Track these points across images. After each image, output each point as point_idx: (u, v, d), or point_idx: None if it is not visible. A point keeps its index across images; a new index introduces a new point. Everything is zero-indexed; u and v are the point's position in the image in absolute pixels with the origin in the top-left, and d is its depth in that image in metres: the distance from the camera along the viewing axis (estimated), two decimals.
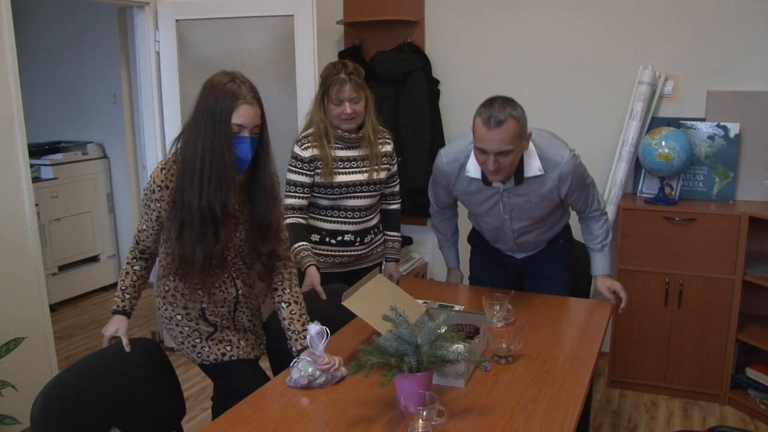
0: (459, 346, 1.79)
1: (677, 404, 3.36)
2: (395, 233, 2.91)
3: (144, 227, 1.99)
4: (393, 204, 2.89)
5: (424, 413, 1.64)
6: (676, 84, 3.51)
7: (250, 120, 1.86)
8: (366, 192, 2.70)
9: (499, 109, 2.18)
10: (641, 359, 3.45)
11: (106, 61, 4.96)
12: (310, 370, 1.92)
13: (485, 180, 2.40)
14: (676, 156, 3.24)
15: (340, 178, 2.63)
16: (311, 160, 2.60)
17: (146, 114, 3.79)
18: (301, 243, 2.57)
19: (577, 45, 3.68)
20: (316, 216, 2.72)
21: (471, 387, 1.91)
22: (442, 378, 1.84)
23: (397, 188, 2.87)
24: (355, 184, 2.66)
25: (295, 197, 2.64)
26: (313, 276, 2.49)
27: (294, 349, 2.04)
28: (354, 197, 2.68)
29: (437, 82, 3.99)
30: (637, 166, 3.57)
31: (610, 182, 3.56)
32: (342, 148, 2.65)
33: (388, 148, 2.76)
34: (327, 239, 2.72)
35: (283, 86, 3.66)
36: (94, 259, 5.11)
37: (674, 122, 3.45)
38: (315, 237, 2.71)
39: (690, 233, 3.24)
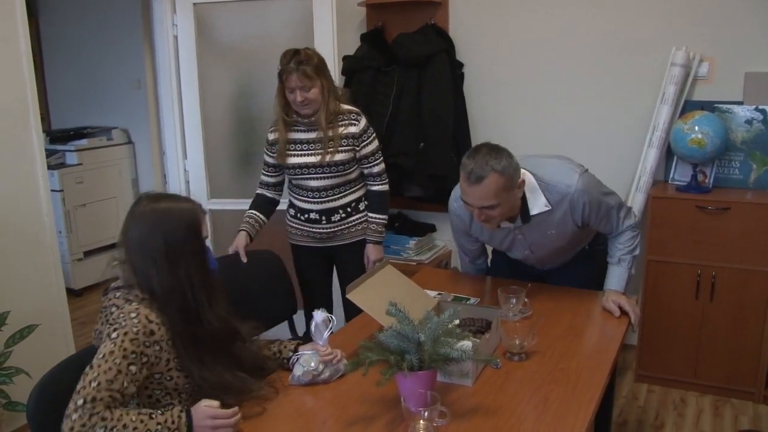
0: (465, 344, 1.71)
1: (708, 402, 3.22)
2: (376, 215, 2.89)
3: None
4: (375, 185, 2.89)
5: (425, 414, 1.56)
6: (711, 65, 3.33)
7: (206, 228, 1.78)
8: (321, 174, 2.77)
9: (480, 164, 2.05)
10: (671, 354, 3.31)
11: (130, 46, 4.95)
12: (312, 364, 1.86)
13: None
14: (710, 141, 3.08)
15: (292, 160, 2.78)
16: (272, 143, 2.82)
17: (165, 99, 3.76)
18: (250, 211, 2.92)
19: (606, 26, 3.52)
20: (292, 193, 2.92)
21: (479, 385, 1.82)
22: (448, 376, 1.76)
23: (376, 168, 2.86)
24: (307, 166, 2.76)
25: (263, 174, 2.94)
26: (238, 240, 2.79)
27: (285, 358, 1.95)
28: (310, 178, 2.78)
29: (461, 65, 3.86)
30: (668, 153, 3.41)
31: (640, 169, 3.41)
32: (302, 131, 2.78)
33: (353, 129, 2.76)
34: (298, 215, 2.89)
35: None
36: None
37: (709, 106, 3.29)
38: (291, 211, 2.93)
39: (724, 223, 3.08)
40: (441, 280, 2.70)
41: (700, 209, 3.12)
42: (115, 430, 1.49)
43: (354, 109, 2.82)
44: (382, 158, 2.88)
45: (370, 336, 1.97)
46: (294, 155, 2.78)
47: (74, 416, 1.49)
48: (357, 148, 2.77)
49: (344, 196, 2.84)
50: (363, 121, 2.79)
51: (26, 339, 2.79)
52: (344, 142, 2.74)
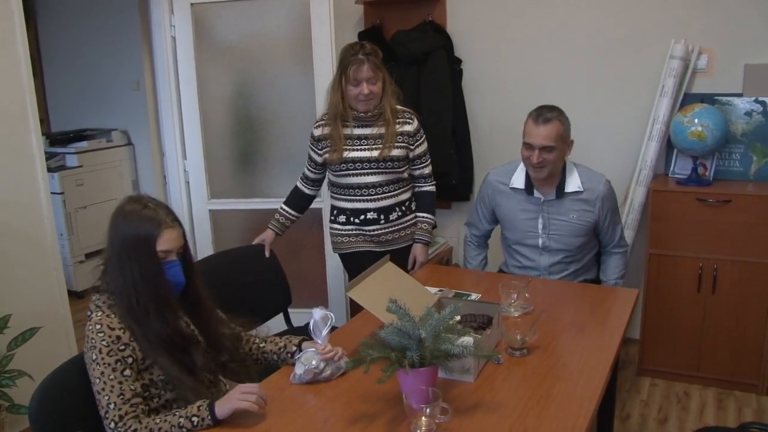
0: (466, 340, 1.70)
1: (711, 394, 3.21)
2: (426, 214, 2.90)
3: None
4: (425, 186, 2.90)
5: (427, 410, 1.56)
6: (710, 58, 3.32)
7: (174, 243, 1.77)
8: (378, 169, 2.72)
9: (548, 110, 2.50)
10: (673, 347, 3.31)
11: (129, 47, 4.93)
12: (314, 363, 1.85)
13: (528, 190, 2.62)
14: (710, 134, 3.07)
15: (350, 155, 2.70)
16: (320, 139, 2.75)
17: (164, 100, 3.75)
18: (284, 207, 2.92)
19: (605, 19, 3.51)
20: (338, 196, 2.83)
21: (481, 381, 1.82)
22: (449, 372, 1.76)
23: (426, 170, 2.87)
24: (364, 160, 2.70)
25: (307, 169, 2.88)
26: (266, 235, 2.87)
27: (289, 353, 1.96)
28: (367, 173, 2.72)
29: (459, 61, 3.85)
30: (668, 146, 3.40)
31: (640, 163, 3.40)
32: (357, 127, 2.72)
33: (408, 128, 2.75)
34: (351, 218, 2.80)
35: (301, 68, 3.59)
36: None
37: (708, 98, 3.28)
38: (341, 218, 2.83)
39: (725, 216, 3.07)
40: (442, 277, 2.69)
41: (701, 202, 3.11)
42: None
43: (407, 108, 2.81)
44: (430, 160, 2.88)
45: (371, 333, 1.97)
46: (352, 150, 2.71)
47: None
48: (411, 147, 2.76)
49: (400, 194, 2.80)
50: (416, 121, 2.79)
51: (28, 342, 2.80)
52: (399, 138, 2.72)
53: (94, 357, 1.65)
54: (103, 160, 4.98)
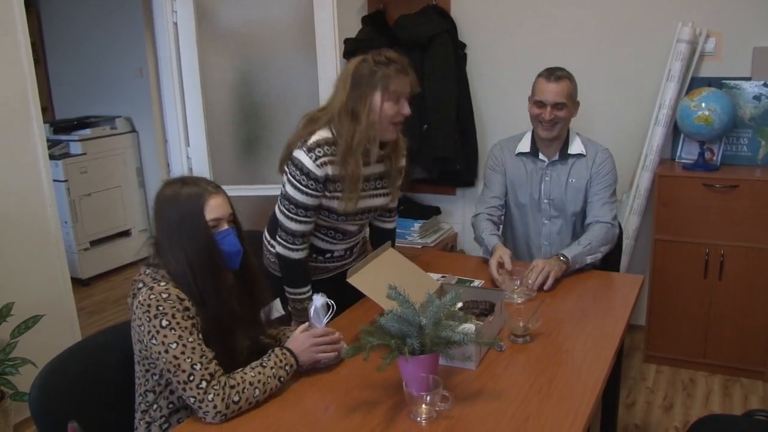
0: (467, 326, 1.68)
1: (717, 381, 3.19)
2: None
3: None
4: (389, 222, 2.47)
5: (427, 398, 1.55)
6: (718, 41, 3.27)
7: (222, 210, 1.72)
8: (371, 215, 2.33)
9: (557, 69, 2.56)
10: (679, 334, 3.28)
11: (132, 34, 4.92)
12: (320, 302, 1.85)
13: (534, 152, 2.64)
14: (717, 118, 3.03)
15: (364, 203, 2.19)
16: (326, 180, 2.10)
17: (166, 86, 3.73)
18: (304, 289, 2.23)
19: (611, 2, 3.46)
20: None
21: (483, 368, 1.80)
22: (450, 359, 1.74)
23: (395, 202, 2.43)
24: (371, 210, 2.28)
25: (301, 222, 2.14)
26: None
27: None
28: (354, 223, 2.29)
29: (464, 45, 3.81)
30: (675, 130, 3.36)
31: (646, 148, 3.37)
32: (367, 163, 2.15)
33: (404, 162, 2.34)
34: (314, 255, 2.31)
35: (303, 54, 3.56)
36: (125, 233, 5.13)
37: (716, 82, 3.23)
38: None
39: (732, 201, 3.04)
40: (445, 263, 2.67)
41: (708, 187, 3.07)
42: (245, 390, 1.60)
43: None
44: None
45: (372, 321, 1.95)
46: (368, 197, 2.21)
47: (210, 397, 1.56)
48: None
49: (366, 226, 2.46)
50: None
51: (32, 329, 2.80)
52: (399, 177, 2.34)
53: (165, 323, 1.59)
54: (107, 148, 4.98)
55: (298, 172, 2.07)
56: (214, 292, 1.69)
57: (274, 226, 2.26)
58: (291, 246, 2.17)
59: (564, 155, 2.61)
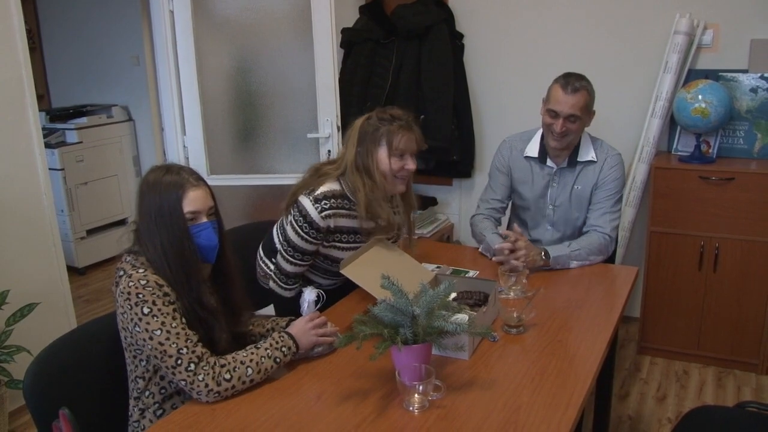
0: (460, 317, 1.69)
1: (710, 373, 3.21)
2: None
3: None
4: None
5: (420, 387, 1.55)
6: (715, 33, 3.27)
7: (201, 204, 1.71)
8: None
9: (576, 79, 2.44)
10: (673, 325, 3.29)
11: (129, 22, 4.89)
12: (313, 295, 1.89)
13: (542, 158, 2.58)
14: (713, 111, 3.03)
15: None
16: (327, 231, 2.15)
17: (163, 75, 3.71)
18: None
19: None
20: (309, 272, 2.36)
21: (476, 359, 1.80)
22: (443, 349, 1.75)
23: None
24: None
25: (296, 264, 2.20)
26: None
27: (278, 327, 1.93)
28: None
29: (461, 35, 3.80)
30: (671, 123, 3.36)
31: (643, 139, 3.37)
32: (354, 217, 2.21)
33: (413, 215, 2.42)
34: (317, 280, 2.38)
35: (300, 42, 3.54)
36: (122, 222, 5.12)
37: (713, 74, 3.23)
38: (293, 282, 2.29)
39: (727, 193, 3.04)
40: (441, 253, 2.67)
41: (704, 180, 3.08)
42: (237, 369, 1.63)
43: None
44: None
45: (365, 311, 1.96)
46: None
47: (200, 377, 1.59)
48: None
49: None
50: None
51: (28, 318, 2.80)
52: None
53: (147, 311, 1.60)
54: (104, 136, 4.95)
55: (301, 219, 2.12)
56: (186, 282, 1.69)
57: (269, 245, 2.34)
58: (284, 286, 2.25)
59: (573, 162, 2.56)
